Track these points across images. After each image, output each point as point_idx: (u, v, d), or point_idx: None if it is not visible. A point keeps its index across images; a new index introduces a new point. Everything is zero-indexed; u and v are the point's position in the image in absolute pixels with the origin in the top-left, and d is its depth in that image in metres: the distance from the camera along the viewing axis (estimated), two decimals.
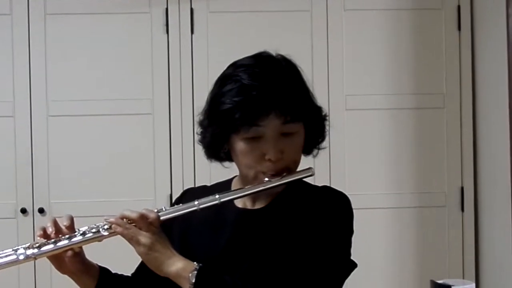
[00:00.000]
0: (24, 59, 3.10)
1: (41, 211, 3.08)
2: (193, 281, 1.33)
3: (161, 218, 1.39)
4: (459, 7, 3.17)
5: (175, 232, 1.51)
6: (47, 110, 3.11)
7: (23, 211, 3.08)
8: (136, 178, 3.12)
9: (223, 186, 1.52)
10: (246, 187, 1.44)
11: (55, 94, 3.11)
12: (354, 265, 1.45)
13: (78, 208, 2.98)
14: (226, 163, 1.49)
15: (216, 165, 1.52)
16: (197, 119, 1.47)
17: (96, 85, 3.13)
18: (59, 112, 3.11)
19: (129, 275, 1.57)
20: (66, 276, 1.48)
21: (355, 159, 3.16)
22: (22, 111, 3.10)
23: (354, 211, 1.45)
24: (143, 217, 1.37)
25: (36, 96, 3.11)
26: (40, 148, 3.10)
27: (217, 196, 1.41)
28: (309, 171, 1.43)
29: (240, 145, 1.40)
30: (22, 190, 3.10)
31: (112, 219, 1.38)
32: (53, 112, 3.11)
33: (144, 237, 1.35)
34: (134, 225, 1.37)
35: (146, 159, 3.12)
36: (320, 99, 1.49)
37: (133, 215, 1.37)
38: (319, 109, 1.47)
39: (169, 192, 3.11)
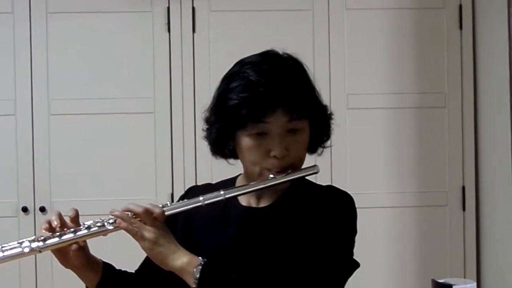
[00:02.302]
0: (26, 57, 3.10)
1: (42, 209, 3.08)
2: (198, 276, 1.33)
3: (166, 213, 1.39)
4: (460, 6, 3.17)
5: (179, 231, 1.50)
6: (49, 108, 3.11)
7: (24, 209, 3.08)
8: (138, 177, 3.12)
9: (228, 184, 1.52)
10: (251, 183, 1.43)
11: (56, 93, 3.11)
12: (356, 265, 1.46)
13: (79, 207, 2.88)
14: (231, 160, 1.49)
15: (217, 164, 1.52)
16: (202, 116, 1.47)
17: (98, 84, 3.12)
18: (60, 111, 3.11)
19: (133, 271, 1.57)
20: (67, 273, 1.47)
21: (357, 158, 3.16)
22: (24, 110, 3.10)
23: None
24: (147, 212, 1.37)
25: (37, 94, 3.10)
26: (41, 146, 3.10)
27: (222, 192, 1.41)
28: (314, 168, 1.44)
29: (245, 141, 1.41)
30: (23, 188, 3.09)
31: (117, 212, 1.38)
32: (54, 110, 3.11)
33: (149, 232, 1.35)
34: (138, 220, 1.37)
35: (147, 158, 3.12)
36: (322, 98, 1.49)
37: (138, 209, 1.37)
38: (324, 107, 1.48)
39: (171, 191, 3.11)
